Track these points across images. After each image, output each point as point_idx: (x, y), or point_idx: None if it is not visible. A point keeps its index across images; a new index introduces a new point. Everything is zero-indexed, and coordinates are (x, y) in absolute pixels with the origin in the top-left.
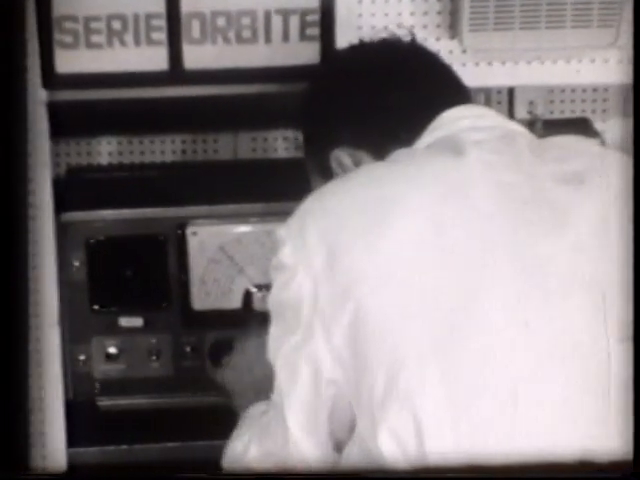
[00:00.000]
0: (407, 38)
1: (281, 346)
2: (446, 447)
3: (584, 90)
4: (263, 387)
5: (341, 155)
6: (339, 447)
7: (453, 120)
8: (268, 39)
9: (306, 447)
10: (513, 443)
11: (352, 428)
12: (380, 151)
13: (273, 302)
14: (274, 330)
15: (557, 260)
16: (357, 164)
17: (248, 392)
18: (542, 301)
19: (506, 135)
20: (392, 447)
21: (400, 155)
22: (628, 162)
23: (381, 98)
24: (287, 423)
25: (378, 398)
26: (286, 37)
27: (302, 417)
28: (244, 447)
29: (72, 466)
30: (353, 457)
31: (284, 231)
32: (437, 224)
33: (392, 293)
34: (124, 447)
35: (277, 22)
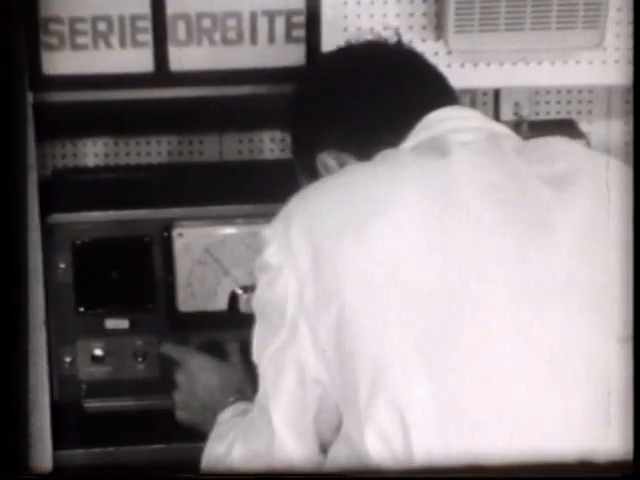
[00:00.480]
0: (393, 40)
1: (266, 346)
2: (433, 446)
3: (569, 91)
4: (215, 400)
5: (326, 158)
6: (324, 448)
7: (438, 121)
8: (254, 41)
9: (292, 448)
10: (503, 443)
11: (338, 428)
12: (365, 153)
13: (258, 302)
14: (259, 331)
15: (545, 262)
16: (342, 166)
17: (206, 405)
18: (531, 302)
19: (491, 136)
20: (379, 446)
21: (385, 156)
22: (613, 163)
23: (366, 100)
24: (273, 424)
25: (364, 397)
26: (272, 39)
27: (288, 418)
28: (227, 448)
29: (58, 468)
30: (339, 457)
31: (269, 231)
32: (423, 225)
33: (377, 293)
34: (110, 449)
35: (263, 24)
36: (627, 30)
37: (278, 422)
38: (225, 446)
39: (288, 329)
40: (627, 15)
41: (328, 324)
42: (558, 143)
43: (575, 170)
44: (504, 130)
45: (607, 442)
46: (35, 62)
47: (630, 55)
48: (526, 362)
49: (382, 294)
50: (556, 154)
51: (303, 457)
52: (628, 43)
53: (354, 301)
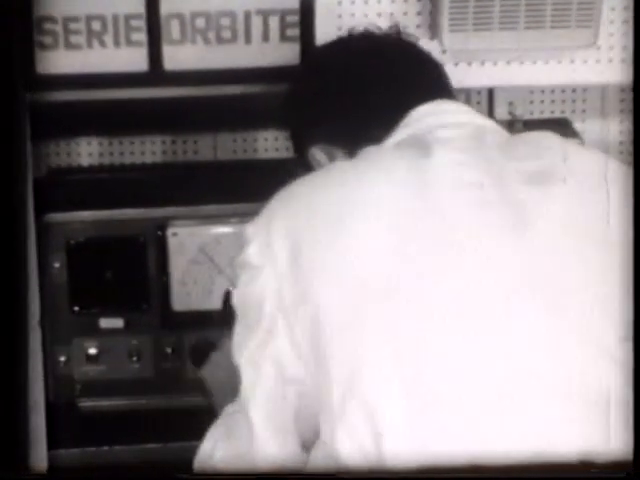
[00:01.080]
0: (388, 30)
1: (245, 345)
2: (404, 449)
3: (563, 90)
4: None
5: (317, 152)
6: (307, 447)
7: (424, 116)
8: (248, 40)
9: (272, 447)
10: (476, 446)
11: (318, 428)
12: (354, 147)
13: (238, 300)
14: (239, 328)
15: (520, 263)
16: (332, 160)
17: (225, 390)
18: (504, 303)
19: (475, 132)
20: (350, 449)
21: (368, 153)
22: (600, 159)
23: (354, 95)
24: (252, 423)
25: (337, 399)
26: (266, 38)
27: (267, 417)
28: (211, 448)
29: (53, 467)
30: (318, 460)
31: (250, 229)
32: (398, 227)
33: (350, 295)
34: (105, 448)
35: (257, 23)
36: (621, 29)
37: (257, 422)
38: (210, 446)
39: (266, 328)
40: (621, 14)
41: (304, 325)
42: (544, 139)
43: (559, 167)
44: (490, 124)
45: (586, 444)
46: (29, 61)
47: (624, 54)
48: (500, 364)
49: (355, 296)
50: (541, 150)
51: (283, 456)
52: (622, 42)
53: (328, 303)
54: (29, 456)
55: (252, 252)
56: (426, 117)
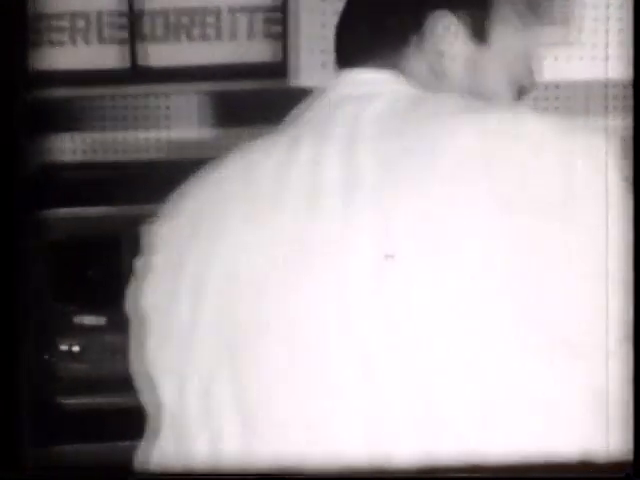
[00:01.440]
0: None
1: (160, 355)
2: (237, 454)
3: (546, 87)
4: None
5: None
6: None
7: (343, 85)
8: (232, 37)
9: (202, 445)
10: (311, 456)
11: None
12: None
13: (147, 307)
14: (151, 341)
15: (350, 266)
16: None
17: None
18: (333, 320)
19: (363, 106)
20: (199, 451)
21: (254, 146)
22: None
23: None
24: (181, 423)
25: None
26: (250, 35)
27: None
28: (145, 449)
29: (36, 465)
30: None
31: (152, 232)
32: (242, 249)
33: (190, 306)
34: (88, 446)
35: (241, 20)
36: (604, 26)
37: (188, 421)
38: (145, 446)
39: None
40: (604, 12)
41: None
42: (437, 105)
43: (428, 145)
44: (396, 89)
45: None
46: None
47: (608, 51)
48: (338, 367)
49: (195, 307)
50: (423, 123)
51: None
52: (605, 39)
53: (183, 313)
54: (26, 455)
55: (154, 256)
56: (346, 86)
